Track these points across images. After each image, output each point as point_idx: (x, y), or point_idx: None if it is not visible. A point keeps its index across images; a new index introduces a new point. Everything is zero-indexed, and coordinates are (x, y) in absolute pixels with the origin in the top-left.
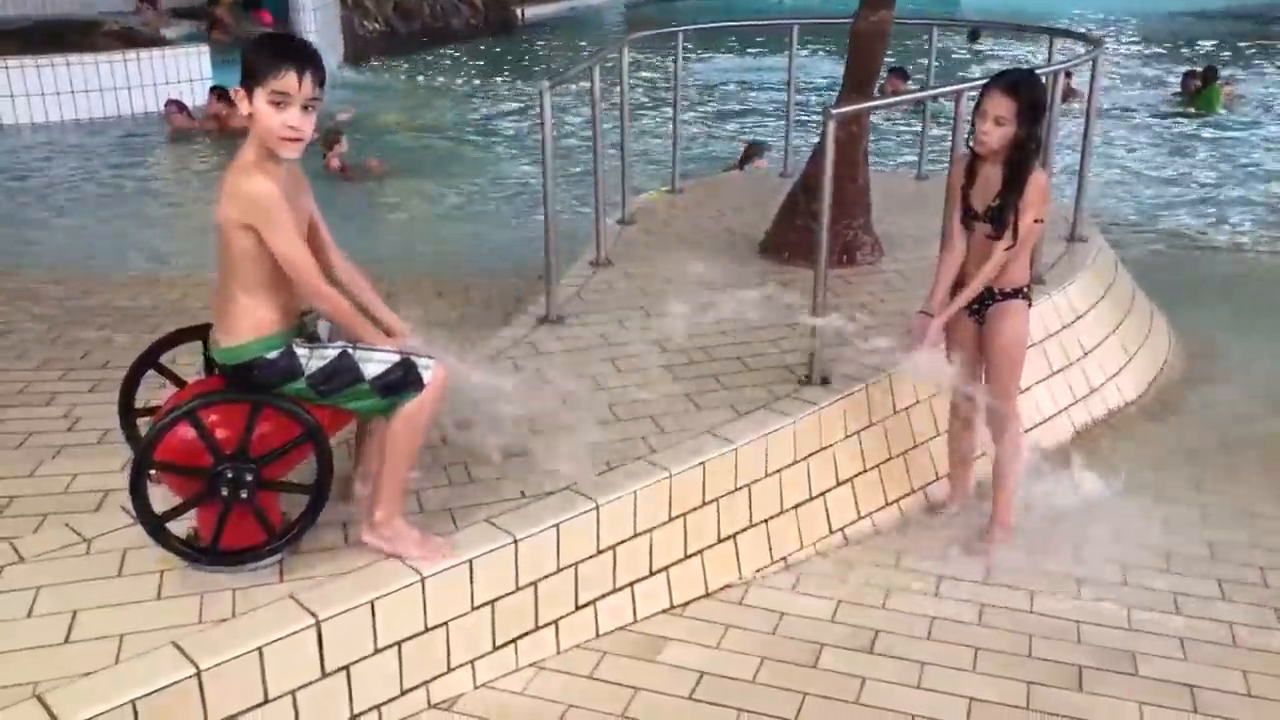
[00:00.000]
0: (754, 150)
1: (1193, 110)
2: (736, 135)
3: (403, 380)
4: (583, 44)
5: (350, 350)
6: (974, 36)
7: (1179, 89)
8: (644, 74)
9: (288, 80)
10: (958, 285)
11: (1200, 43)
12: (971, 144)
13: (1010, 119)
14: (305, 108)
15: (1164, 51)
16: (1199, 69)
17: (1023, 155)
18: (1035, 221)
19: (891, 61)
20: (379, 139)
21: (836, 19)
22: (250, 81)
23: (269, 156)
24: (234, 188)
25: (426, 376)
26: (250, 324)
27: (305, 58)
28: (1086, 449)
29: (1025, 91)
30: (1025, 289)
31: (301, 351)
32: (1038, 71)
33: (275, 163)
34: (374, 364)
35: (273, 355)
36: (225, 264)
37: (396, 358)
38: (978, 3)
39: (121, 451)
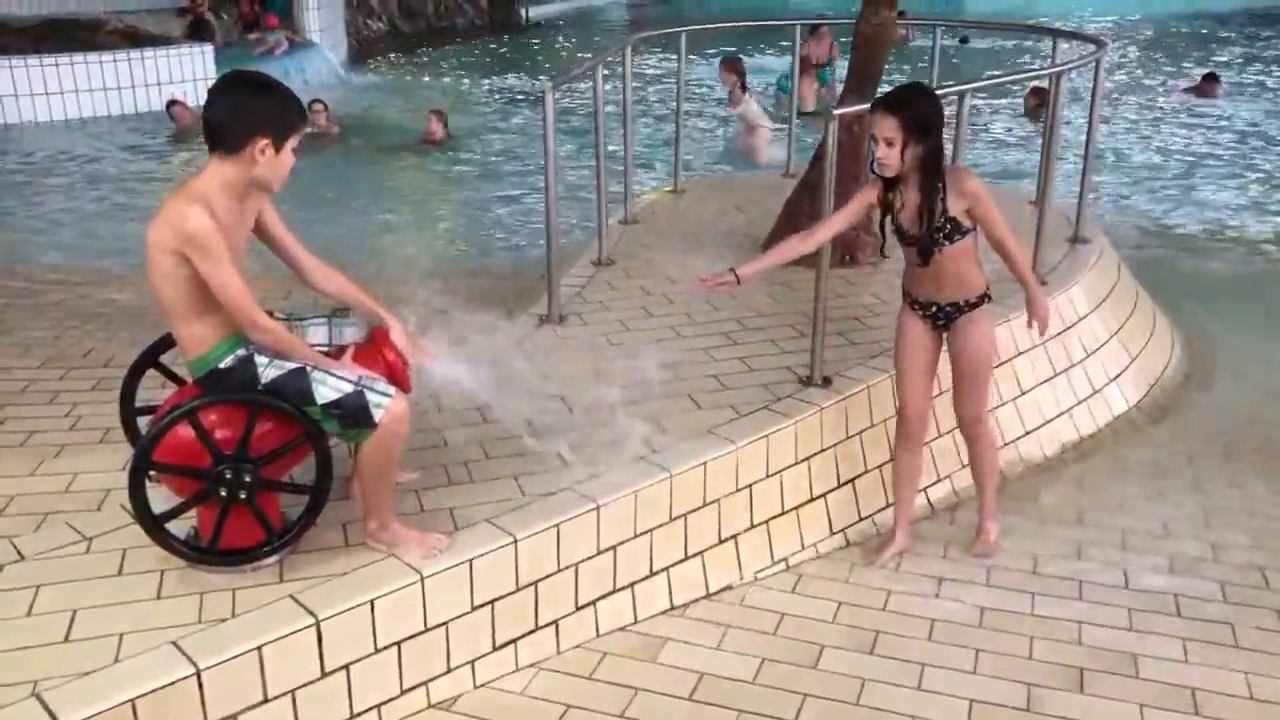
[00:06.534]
0: None
1: None
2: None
3: (354, 415)
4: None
5: (308, 369)
6: (965, 39)
7: (1188, 87)
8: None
9: (304, 124)
10: (908, 295)
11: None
12: (875, 170)
13: (898, 138)
14: None
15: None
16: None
17: (928, 168)
18: (968, 212)
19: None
20: (378, 136)
21: (840, 19)
22: (282, 135)
23: (230, 191)
24: (174, 215)
25: (378, 415)
26: (200, 337)
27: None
28: (1088, 451)
29: (906, 107)
30: (987, 292)
31: (261, 359)
32: (1043, 72)
33: (231, 195)
34: (327, 389)
35: (228, 363)
36: (155, 283)
37: (350, 388)
38: (985, 6)
39: (123, 450)
